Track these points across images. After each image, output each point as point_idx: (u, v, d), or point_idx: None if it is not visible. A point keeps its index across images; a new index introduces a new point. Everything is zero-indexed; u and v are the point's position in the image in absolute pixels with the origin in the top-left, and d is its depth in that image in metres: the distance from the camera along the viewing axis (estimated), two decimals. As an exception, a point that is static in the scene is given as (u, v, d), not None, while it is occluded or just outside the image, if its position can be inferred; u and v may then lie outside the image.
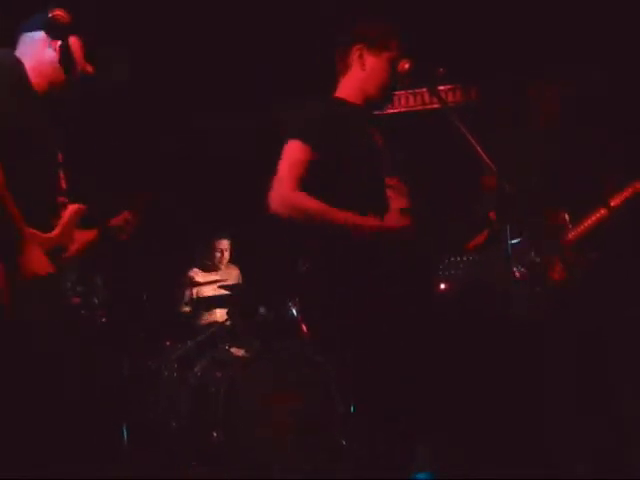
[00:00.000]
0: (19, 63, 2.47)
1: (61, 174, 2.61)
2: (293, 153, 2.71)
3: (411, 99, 5.46)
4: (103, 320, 3.90)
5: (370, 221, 2.63)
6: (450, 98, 5.28)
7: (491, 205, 3.45)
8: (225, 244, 5.27)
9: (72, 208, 2.59)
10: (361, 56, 2.83)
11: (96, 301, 4.08)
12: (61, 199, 2.58)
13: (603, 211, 3.40)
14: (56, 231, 2.52)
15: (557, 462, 3.11)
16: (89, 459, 3.03)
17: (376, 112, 2.97)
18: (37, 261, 2.35)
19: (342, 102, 2.86)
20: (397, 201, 2.74)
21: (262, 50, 4.92)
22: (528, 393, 3.19)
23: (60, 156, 2.61)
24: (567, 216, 3.46)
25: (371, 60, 2.83)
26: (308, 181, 2.66)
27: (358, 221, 2.61)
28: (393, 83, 2.86)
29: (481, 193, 3.60)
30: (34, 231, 2.41)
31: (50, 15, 2.43)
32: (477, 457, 3.11)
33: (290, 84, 4.94)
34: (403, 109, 5.51)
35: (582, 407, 3.24)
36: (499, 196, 2.67)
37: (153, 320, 4.55)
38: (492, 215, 3.32)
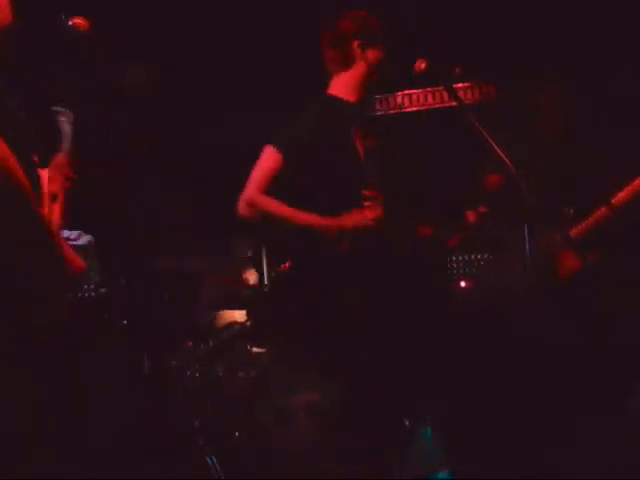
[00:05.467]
0: None
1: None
2: (266, 159, 2.87)
3: (430, 97, 5.46)
4: (124, 322, 3.94)
5: (329, 221, 2.77)
6: (469, 96, 5.27)
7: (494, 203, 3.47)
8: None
9: None
10: (364, 51, 2.93)
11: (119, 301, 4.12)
12: None
13: (605, 210, 3.37)
14: None
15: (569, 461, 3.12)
16: (112, 458, 3.07)
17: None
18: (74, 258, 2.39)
19: (337, 102, 2.97)
20: (371, 212, 2.83)
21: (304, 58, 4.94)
22: (542, 393, 3.19)
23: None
24: (572, 212, 3.45)
25: (372, 53, 2.94)
26: (281, 187, 2.84)
27: (317, 222, 2.75)
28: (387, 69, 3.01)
29: (484, 193, 3.61)
30: None
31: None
32: (494, 457, 3.11)
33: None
34: (422, 107, 5.51)
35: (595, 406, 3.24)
36: (510, 195, 2.68)
37: (174, 320, 4.59)
38: (474, 214, 3.32)
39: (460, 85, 5.12)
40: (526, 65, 3.92)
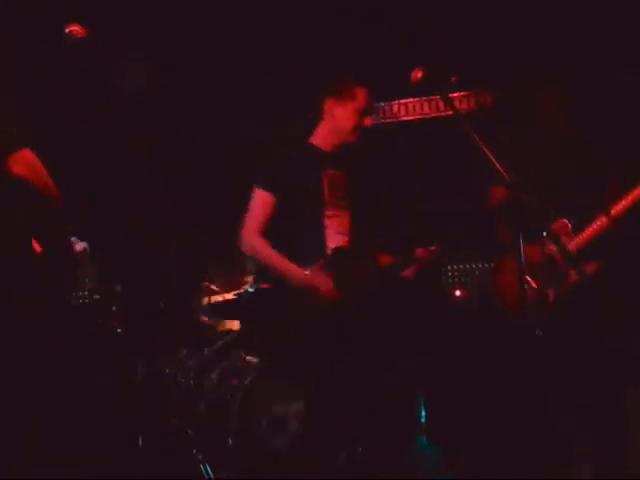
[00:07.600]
0: None
1: None
2: (260, 202, 3.26)
3: (426, 106, 5.47)
4: (118, 330, 3.93)
5: (303, 278, 3.18)
6: (464, 105, 5.28)
7: (502, 219, 3.50)
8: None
9: None
10: (331, 108, 3.35)
11: (114, 308, 4.11)
12: None
13: (604, 220, 3.36)
14: None
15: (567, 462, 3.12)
16: (105, 466, 3.06)
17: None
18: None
19: (312, 149, 3.40)
20: (333, 240, 3.29)
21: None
22: (540, 395, 3.19)
23: None
24: (570, 224, 3.45)
25: (339, 111, 3.32)
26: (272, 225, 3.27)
27: (294, 275, 3.19)
28: (359, 128, 3.35)
29: (490, 205, 3.62)
30: None
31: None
32: (494, 459, 3.11)
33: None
34: (418, 116, 5.53)
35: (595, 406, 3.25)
36: (511, 205, 2.69)
37: (170, 328, 4.57)
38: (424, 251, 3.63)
39: (456, 94, 5.13)
40: (526, 65, 3.94)
